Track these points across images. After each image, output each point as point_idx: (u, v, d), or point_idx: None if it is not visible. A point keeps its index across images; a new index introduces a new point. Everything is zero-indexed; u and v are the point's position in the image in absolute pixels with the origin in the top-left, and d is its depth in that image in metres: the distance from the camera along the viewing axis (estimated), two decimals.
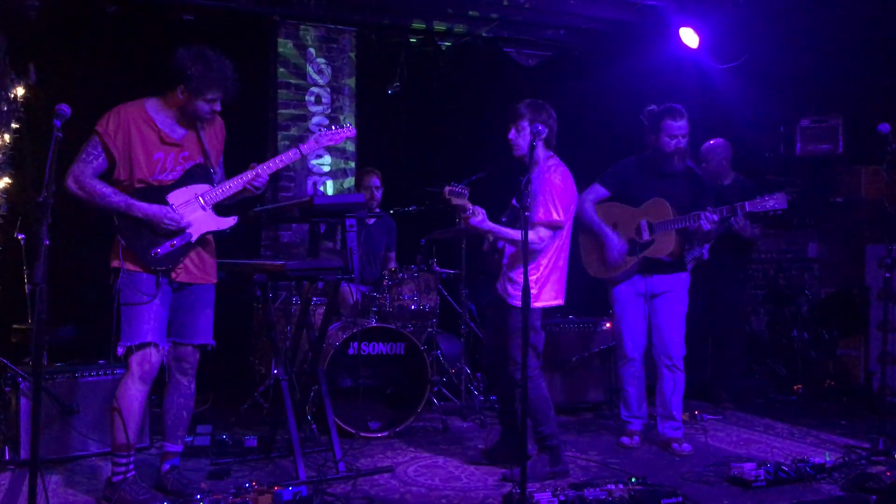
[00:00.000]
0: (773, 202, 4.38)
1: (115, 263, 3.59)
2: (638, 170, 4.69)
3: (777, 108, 7.03)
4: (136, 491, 3.58)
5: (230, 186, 3.69)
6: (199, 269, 3.72)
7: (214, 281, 3.82)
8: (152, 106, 3.66)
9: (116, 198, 3.54)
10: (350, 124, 4.12)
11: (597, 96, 6.95)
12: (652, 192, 4.58)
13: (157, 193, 3.61)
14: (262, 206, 4.69)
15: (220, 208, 3.75)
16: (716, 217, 4.41)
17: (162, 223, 3.56)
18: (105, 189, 3.54)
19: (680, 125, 4.53)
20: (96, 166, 3.57)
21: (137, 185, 3.59)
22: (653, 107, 4.67)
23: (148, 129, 3.61)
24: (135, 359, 3.59)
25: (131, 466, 3.64)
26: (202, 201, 3.67)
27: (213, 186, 3.70)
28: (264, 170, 3.73)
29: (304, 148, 3.88)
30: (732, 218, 5.24)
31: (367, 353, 4.90)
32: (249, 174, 3.71)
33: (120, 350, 3.58)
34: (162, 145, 3.63)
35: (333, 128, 4.05)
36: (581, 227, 4.68)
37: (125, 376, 3.63)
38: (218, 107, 3.67)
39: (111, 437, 3.63)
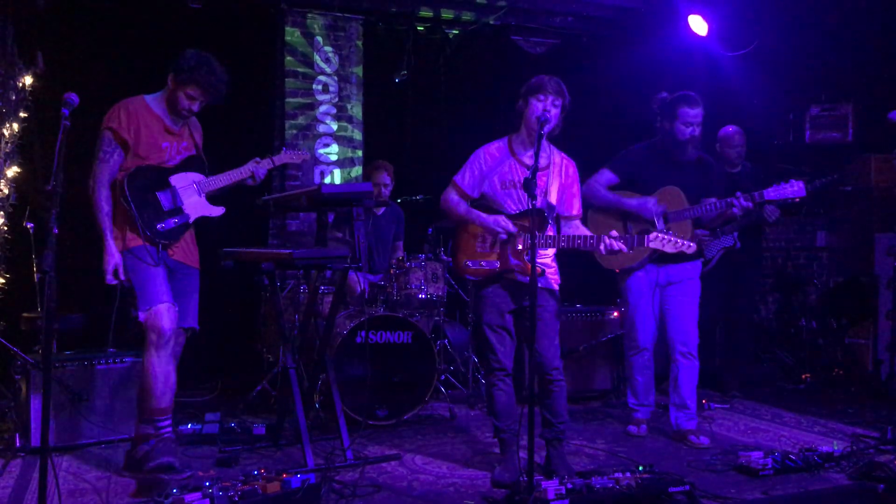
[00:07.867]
0: (792, 190, 4.44)
1: (120, 245, 3.75)
2: (649, 157, 4.61)
3: (786, 96, 7.00)
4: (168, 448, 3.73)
5: (221, 180, 4.01)
6: (189, 252, 3.98)
7: (198, 267, 4.03)
8: (152, 100, 3.89)
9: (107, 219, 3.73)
10: (298, 149, 4.52)
11: (605, 84, 6.92)
12: (664, 180, 4.51)
13: (162, 174, 3.85)
14: (269, 195, 4.69)
15: (211, 198, 4.04)
16: (750, 204, 4.41)
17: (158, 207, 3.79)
18: (106, 206, 3.71)
19: (696, 112, 4.46)
20: (115, 161, 3.76)
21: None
22: (664, 94, 4.61)
23: (154, 121, 3.85)
24: (152, 320, 3.69)
25: (168, 429, 3.77)
26: (197, 188, 3.94)
27: (207, 178, 3.99)
28: (257, 168, 4.09)
29: (277, 159, 4.22)
30: (766, 206, 5.29)
31: (375, 341, 4.91)
32: (245, 168, 4.08)
33: (142, 316, 3.69)
34: (167, 135, 3.89)
35: (289, 151, 4.45)
36: (594, 212, 4.65)
37: (147, 347, 3.72)
38: (196, 107, 3.86)
39: (143, 407, 3.75)
